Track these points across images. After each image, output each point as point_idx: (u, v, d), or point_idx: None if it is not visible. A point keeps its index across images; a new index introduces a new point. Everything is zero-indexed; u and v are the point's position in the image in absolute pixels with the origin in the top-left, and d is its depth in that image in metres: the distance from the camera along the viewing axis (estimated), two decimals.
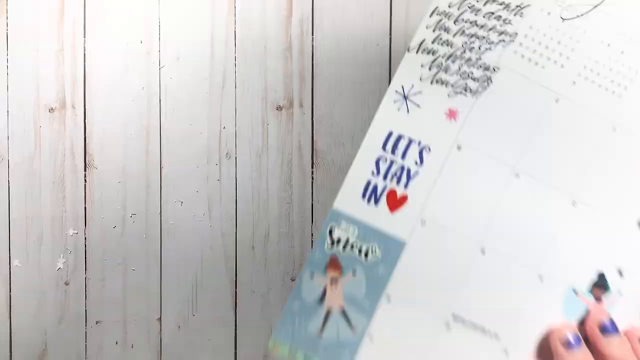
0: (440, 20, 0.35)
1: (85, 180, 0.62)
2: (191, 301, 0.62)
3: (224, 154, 0.62)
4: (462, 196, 0.35)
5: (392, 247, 0.35)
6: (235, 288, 0.62)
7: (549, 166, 0.35)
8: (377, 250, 0.35)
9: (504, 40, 0.35)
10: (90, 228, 0.62)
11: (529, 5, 0.34)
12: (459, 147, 0.35)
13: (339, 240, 0.35)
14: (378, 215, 0.35)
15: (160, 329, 0.62)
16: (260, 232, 0.62)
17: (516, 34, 0.34)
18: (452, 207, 0.35)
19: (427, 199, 0.35)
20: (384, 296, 0.35)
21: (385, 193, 0.35)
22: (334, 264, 0.35)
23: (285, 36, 0.62)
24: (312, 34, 0.62)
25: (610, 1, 0.33)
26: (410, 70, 0.35)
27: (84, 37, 0.62)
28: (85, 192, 0.62)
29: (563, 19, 0.34)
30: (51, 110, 0.61)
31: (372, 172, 0.35)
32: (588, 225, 0.36)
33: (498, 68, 0.35)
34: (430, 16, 0.35)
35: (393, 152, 0.35)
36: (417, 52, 0.35)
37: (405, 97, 0.35)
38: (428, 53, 0.35)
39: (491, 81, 0.35)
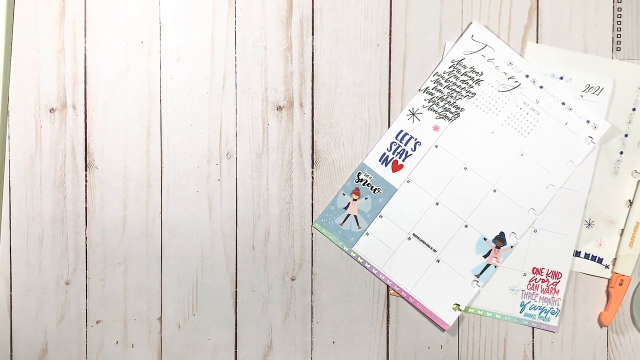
0: (437, 79, 0.62)
1: (86, 180, 0.62)
2: (191, 301, 0.62)
3: (225, 154, 0.62)
4: (432, 171, 0.63)
5: (389, 190, 0.63)
6: (236, 288, 0.62)
7: (484, 166, 0.62)
8: (381, 189, 0.63)
9: (468, 95, 0.62)
10: (91, 228, 0.62)
11: (482, 81, 0.62)
12: (436, 146, 0.63)
13: (362, 180, 0.63)
14: (385, 172, 0.63)
15: (161, 329, 0.62)
16: (261, 232, 0.62)
17: (475, 93, 0.62)
18: (425, 176, 0.63)
19: (413, 169, 0.63)
20: (379, 214, 0.63)
21: (391, 161, 0.63)
22: (356, 191, 0.63)
23: (286, 37, 0.62)
24: (312, 34, 0.62)
25: (524, 85, 0.62)
26: (418, 101, 0.62)
27: (85, 37, 0.62)
28: (85, 192, 0.62)
29: (499, 91, 0.62)
30: (52, 110, 0.62)
31: (387, 149, 0.63)
32: (500, 204, 0.62)
33: (463, 109, 0.62)
34: (433, 75, 0.62)
35: (401, 140, 0.63)
36: (423, 92, 0.62)
37: (413, 114, 0.63)
38: (428, 94, 0.62)
39: (459, 115, 0.62)
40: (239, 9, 0.62)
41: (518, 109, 0.61)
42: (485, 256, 0.62)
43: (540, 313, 0.62)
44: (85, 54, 0.62)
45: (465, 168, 0.62)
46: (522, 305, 0.62)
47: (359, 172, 0.62)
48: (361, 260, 0.62)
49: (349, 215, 0.62)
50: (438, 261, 0.62)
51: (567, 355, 0.62)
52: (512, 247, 0.62)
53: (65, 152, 0.62)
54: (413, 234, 0.62)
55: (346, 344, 0.62)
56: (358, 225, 0.62)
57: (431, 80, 0.62)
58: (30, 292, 0.61)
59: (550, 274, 0.62)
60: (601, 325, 0.62)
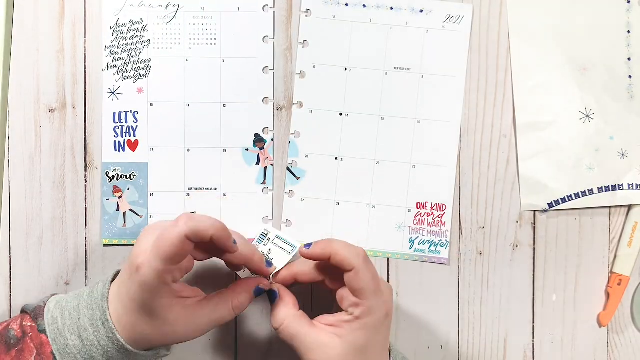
0: (111, 50, 0.61)
1: (85, 180, 0.62)
2: None
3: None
4: (162, 128, 0.61)
5: (142, 168, 0.61)
6: None
7: (200, 94, 0.61)
8: (135, 172, 0.61)
9: (145, 45, 0.61)
10: (91, 228, 0.62)
11: (147, 25, 0.61)
12: (152, 104, 0.61)
13: (113, 177, 0.61)
14: (127, 156, 0.61)
15: None
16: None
17: (149, 40, 0.61)
18: (161, 135, 0.61)
19: (148, 136, 0.61)
20: (149, 193, 0.61)
21: (125, 143, 0.61)
22: (116, 189, 0.61)
23: (286, 37, 0.62)
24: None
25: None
26: (108, 79, 0.61)
27: (84, 37, 0.62)
28: (85, 192, 0.62)
29: (166, 23, 0.61)
30: (51, 110, 0.61)
31: (114, 136, 0.61)
32: (233, 117, 0.61)
33: (150, 59, 0.61)
34: (105, 50, 0.61)
35: (120, 121, 0.61)
36: (107, 70, 0.61)
37: (113, 93, 0.61)
38: (113, 67, 0.61)
39: (150, 66, 0.61)
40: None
41: (192, 25, 0.61)
42: (257, 163, 0.62)
43: (430, 247, 0.62)
44: (85, 54, 0.62)
45: (188, 105, 0.61)
46: (411, 241, 0.62)
47: (107, 172, 0.61)
48: None
49: (125, 213, 0.61)
50: (225, 195, 0.61)
51: (567, 355, 0.63)
52: (272, 140, 0.61)
53: (65, 152, 0.62)
54: (188, 188, 0.62)
55: None
56: (138, 215, 0.61)
57: (106, 56, 0.61)
58: (30, 292, 0.61)
59: (435, 207, 0.62)
60: (600, 325, 0.62)
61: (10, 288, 0.62)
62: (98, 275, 0.62)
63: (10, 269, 0.61)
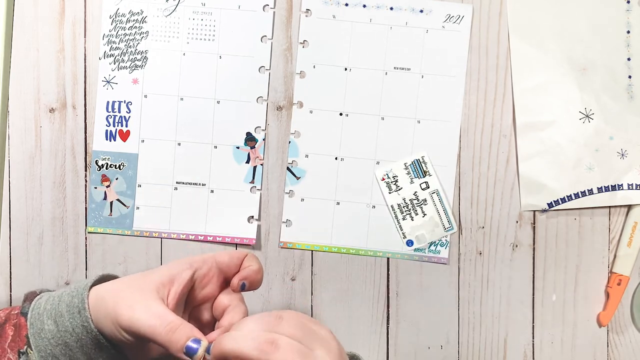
0: (109, 39, 0.61)
1: (85, 180, 0.62)
2: None
3: None
4: (155, 120, 0.62)
5: (131, 159, 0.62)
6: None
7: (196, 88, 0.61)
8: (125, 162, 0.61)
9: (143, 36, 0.61)
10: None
11: (146, 17, 0.61)
12: (145, 96, 0.61)
13: (102, 165, 0.61)
14: (118, 145, 0.62)
15: None
16: (261, 231, 0.62)
17: (147, 31, 0.61)
18: (153, 127, 0.62)
19: (140, 128, 0.61)
20: (137, 184, 0.62)
21: (117, 133, 0.61)
22: (104, 177, 0.61)
23: (286, 37, 0.62)
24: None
25: None
26: (105, 68, 0.61)
27: (84, 37, 0.62)
28: (85, 192, 0.62)
29: (165, 16, 0.61)
30: (52, 110, 0.61)
31: (106, 125, 0.61)
32: (225, 113, 0.62)
33: (147, 50, 0.61)
34: (104, 39, 0.61)
35: (113, 110, 0.61)
36: (103, 58, 0.61)
37: (108, 82, 0.62)
38: (109, 56, 0.61)
39: (147, 58, 0.61)
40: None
41: (191, 20, 0.61)
42: (247, 162, 0.62)
43: (430, 246, 0.62)
44: (85, 54, 0.62)
45: (182, 99, 0.61)
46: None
47: (96, 160, 0.61)
48: (147, 235, 0.62)
49: (111, 202, 0.62)
50: (212, 191, 0.62)
51: (567, 355, 0.63)
52: (263, 139, 0.62)
53: (65, 152, 0.62)
54: (176, 182, 0.62)
55: (346, 344, 0.62)
56: (125, 205, 0.62)
57: (104, 44, 0.61)
58: None
59: None
60: (600, 325, 0.62)
61: (10, 288, 0.62)
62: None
63: (10, 269, 0.61)
